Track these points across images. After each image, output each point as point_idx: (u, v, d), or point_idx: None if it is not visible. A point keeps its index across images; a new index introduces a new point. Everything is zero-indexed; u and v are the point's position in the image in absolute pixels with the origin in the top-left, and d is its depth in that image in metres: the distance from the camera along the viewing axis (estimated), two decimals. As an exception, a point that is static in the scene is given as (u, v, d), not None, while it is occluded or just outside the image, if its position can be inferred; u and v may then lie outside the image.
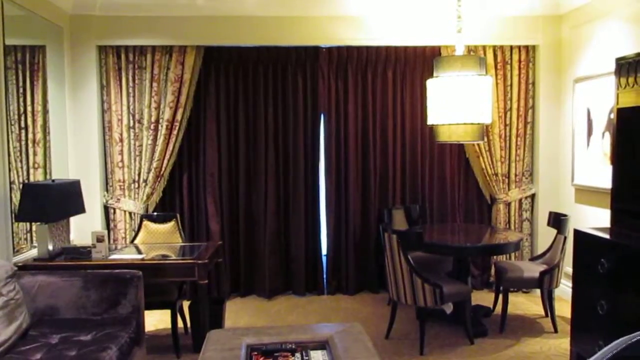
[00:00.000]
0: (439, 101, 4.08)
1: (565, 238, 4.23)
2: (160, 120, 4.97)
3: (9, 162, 3.85)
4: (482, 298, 5.01)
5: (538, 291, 4.65)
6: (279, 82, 5.25)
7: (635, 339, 1.26)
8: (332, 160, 5.29)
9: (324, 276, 5.42)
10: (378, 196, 5.37)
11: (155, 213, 4.90)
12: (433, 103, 4.15)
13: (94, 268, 3.48)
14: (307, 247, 5.36)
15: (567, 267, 4.37)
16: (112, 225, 5.01)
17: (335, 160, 5.31)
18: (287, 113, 5.26)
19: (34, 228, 4.17)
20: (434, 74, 4.14)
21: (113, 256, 3.78)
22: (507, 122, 5.28)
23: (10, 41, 3.92)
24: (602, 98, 4.49)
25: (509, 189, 5.32)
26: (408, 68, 5.32)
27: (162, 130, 4.96)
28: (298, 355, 2.57)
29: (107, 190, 5.05)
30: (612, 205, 3.62)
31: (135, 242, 4.42)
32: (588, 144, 4.74)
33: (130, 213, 5.01)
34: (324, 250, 5.46)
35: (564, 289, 4.76)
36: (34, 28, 4.49)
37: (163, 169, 5.02)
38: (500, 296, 4.42)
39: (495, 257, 5.15)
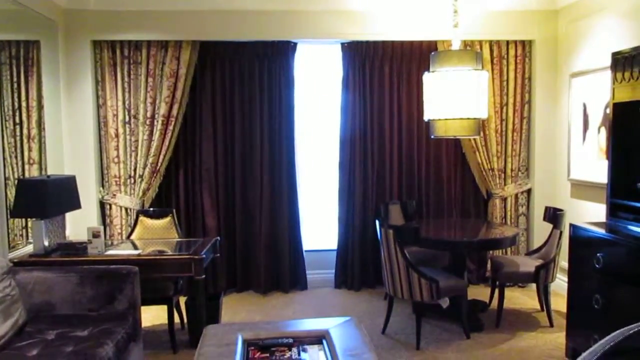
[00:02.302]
0: (435, 96, 4.07)
1: (561, 233, 4.24)
2: (156, 116, 4.95)
3: (4, 158, 3.83)
4: (479, 293, 5.02)
5: (534, 286, 4.65)
6: (275, 77, 5.23)
7: (632, 331, 1.27)
8: (346, 155, 5.27)
9: (328, 272, 5.44)
10: (375, 191, 5.37)
11: (151, 208, 4.89)
12: (429, 98, 4.15)
13: (90, 264, 3.46)
14: (290, 242, 5.33)
15: (563, 262, 4.39)
16: (108, 221, 5.00)
17: (349, 155, 5.30)
18: (281, 108, 5.24)
19: (29, 224, 4.15)
20: (431, 69, 4.13)
21: (109, 252, 3.77)
22: (504, 117, 5.28)
23: (3, 36, 3.90)
24: (598, 93, 4.49)
25: (505, 184, 5.33)
26: (405, 63, 5.30)
27: (158, 126, 4.94)
28: (295, 349, 2.58)
29: (102, 185, 5.03)
30: (607, 200, 3.63)
31: (132, 237, 4.41)
32: (584, 139, 4.75)
33: (126, 209, 4.99)
34: (324, 246, 5.49)
35: (560, 284, 4.77)
36: (28, 23, 4.46)
37: (159, 164, 5.01)
38: (497, 291, 4.44)
39: (491, 251, 5.15)
